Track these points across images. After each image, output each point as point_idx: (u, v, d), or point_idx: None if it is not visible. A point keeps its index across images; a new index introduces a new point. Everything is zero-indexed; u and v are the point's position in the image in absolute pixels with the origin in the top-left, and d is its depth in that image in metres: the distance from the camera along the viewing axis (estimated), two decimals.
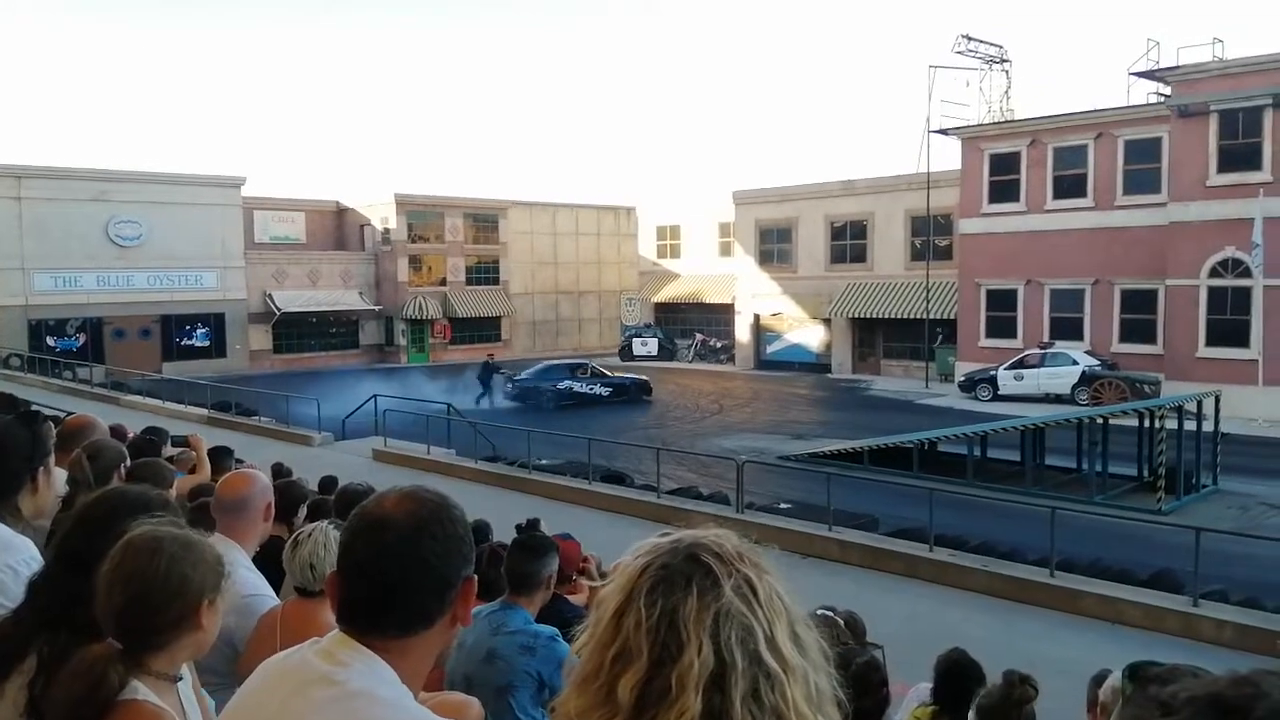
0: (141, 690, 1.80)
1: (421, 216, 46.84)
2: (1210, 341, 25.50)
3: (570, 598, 4.82)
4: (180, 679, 1.94)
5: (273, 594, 3.34)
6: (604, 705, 1.12)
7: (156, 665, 1.85)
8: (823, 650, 1.20)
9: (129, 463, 4.10)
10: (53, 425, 4.54)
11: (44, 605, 2.07)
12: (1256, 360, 23.76)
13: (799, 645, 1.15)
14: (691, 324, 45.06)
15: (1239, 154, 24.90)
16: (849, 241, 37.71)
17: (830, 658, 1.21)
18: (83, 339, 38.63)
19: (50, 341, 37.73)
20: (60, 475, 3.78)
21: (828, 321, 37.78)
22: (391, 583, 1.49)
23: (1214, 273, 25.42)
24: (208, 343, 41.54)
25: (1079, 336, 29.16)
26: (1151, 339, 27.67)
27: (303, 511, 5.19)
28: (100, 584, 1.86)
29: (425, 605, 1.51)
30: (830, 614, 3.85)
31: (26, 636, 2.04)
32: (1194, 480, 16.13)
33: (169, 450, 6.68)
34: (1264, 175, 24.34)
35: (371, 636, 1.49)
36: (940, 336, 33.45)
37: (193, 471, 6.28)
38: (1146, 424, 16.54)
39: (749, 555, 1.19)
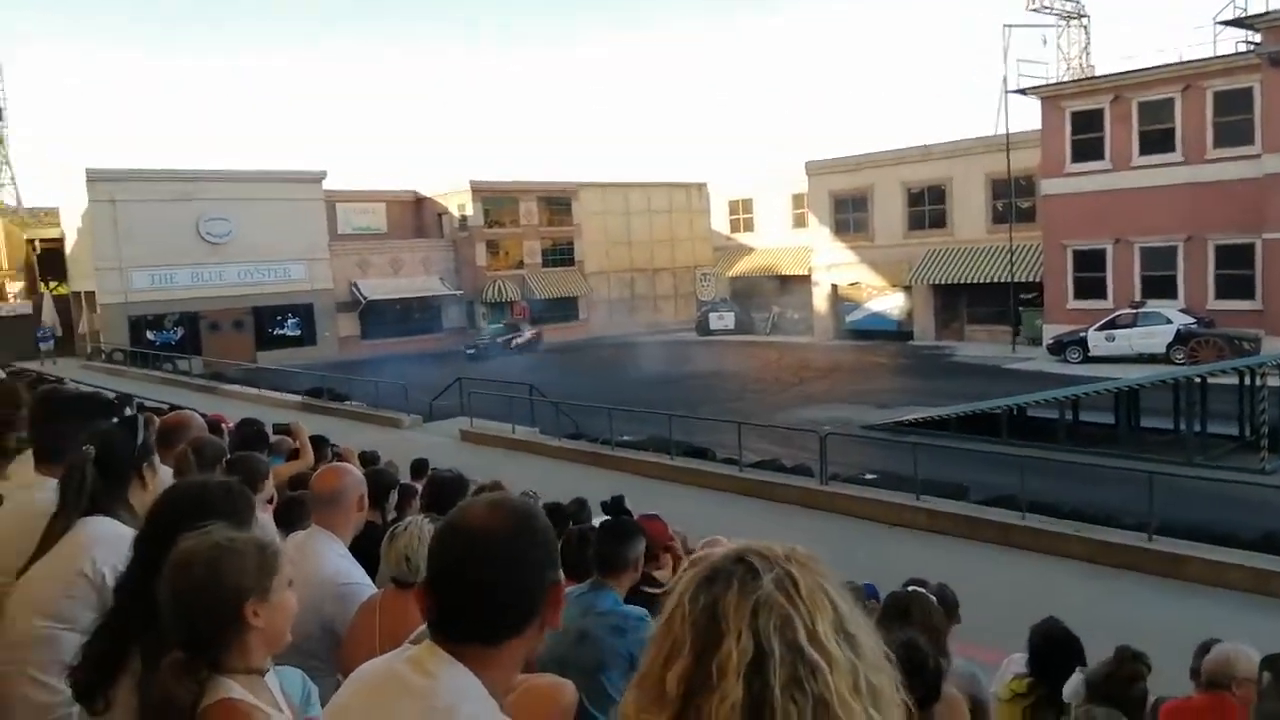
0: (235, 689, 1.88)
1: (496, 202, 47.31)
2: None
3: (656, 573, 4.86)
4: (267, 670, 2.00)
5: (370, 582, 3.44)
6: (657, 700, 1.15)
7: (235, 663, 1.92)
8: (885, 654, 1.20)
9: (230, 456, 4.27)
10: (155, 418, 4.75)
11: (129, 606, 2.14)
12: None
13: (849, 641, 1.15)
14: (767, 297, 44.71)
15: None
16: (927, 207, 36.95)
17: (895, 662, 1.21)
18: (180, 332, 40.05)
19: (150, 336, 39.20)
20: (166, 471, 3.95)
21: (908, 289, 37.13)
22: (481, 593, 1.52)
23: None
24: (298, 332, 42.67)
25: (1172, 295, 28.14)
26: (1249, 294, 26.58)
27: (393, 497, 5.33)
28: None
29: (514, 614, 1.54)
30: (921, 590, 3.82)
31: (123, 638, 2.11)
32: None
33: (271, 438, 6.90)
34: None
35: (461, 645, 1.51)
36: (1034, 297, 32.53)
37: (293, 457, 6.48)
38: (1247, 382, 15.97)
39: (796, 556, 1.19)
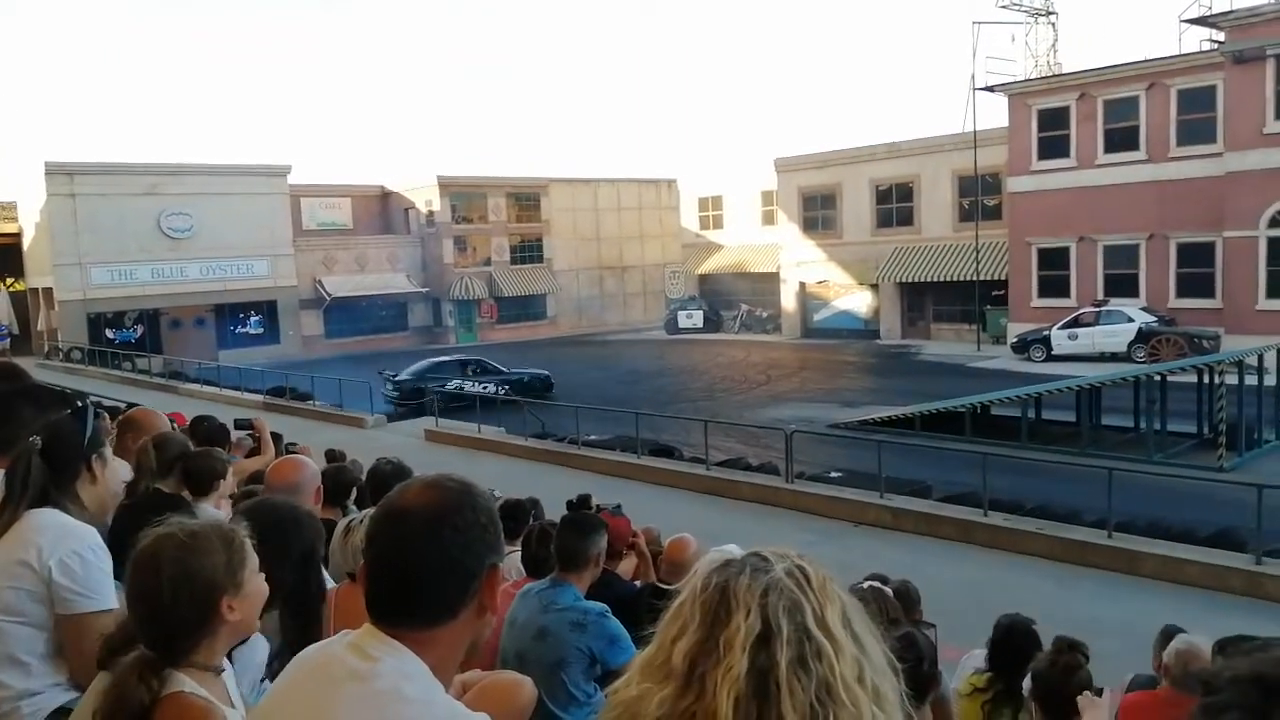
0: (187, 683, 1.84)
1: (464, 197, 47.03)
2: (1271, 293, 24.84)
3: (618, 570, 4.85)
4: (223, 670, 1.97)
5: (327, 576, 3.39)
6: (664, 679, 1.18)
7: (198, 660, 1.89)
8: (889, 660, 1.23)
9: (188, 452, 4.20)
10: (108, 416, 4.66)
11: None
12: None
13: (855, 637, 1.19)
14: (736, 295, 44.80)
15: None
16: (895, 205, 37.18)
17: (898, 670, 1.24)
18: (140, 330, 39.48)
19: (109, 334, 38.60)
20: (119, 466, 3.88)
21: (875, 287, 37.36)
22: (413, 574, 1.48)
23: (1273, 222, 24.69)
24: (261, 330, 42.20)
25: (1134, 293, 28.53)
26: (1210, 293, 26.99)
27: (354, 494, 5.26)
28: (127, 590, 1.92)
29: (448, 596, 1.50)
30: (879, 585, 3.82)
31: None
32: (1256, 436, 15.81)
33: (234, 434, 6.81)
34: None
35: (399, 628, 1.49)
36: (999, 295, 32.87)
37: (254, 454, 6.37)
38: (1206, 380, 16.20)
39: (809, 557, 1.25)
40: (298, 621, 2.29)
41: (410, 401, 23.54)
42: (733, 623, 1.14)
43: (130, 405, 7.25)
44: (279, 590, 2.15)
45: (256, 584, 2.00)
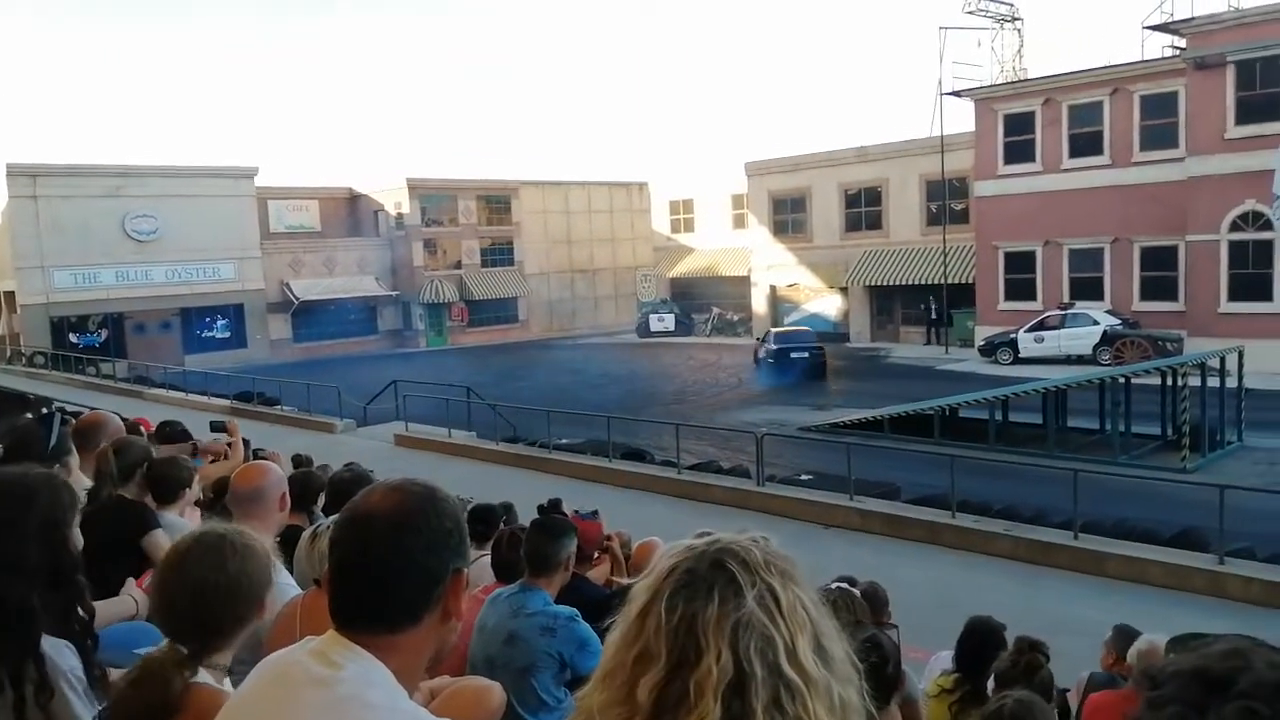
0: (202, 674, 1.89)
1: (434, 200, 46.78)
2: (1233, 296, 25.22)
3: (590, 574, 4.85)
4: (231, 670, 1.99)
5: (293, 583, 3.36)
6: (624, 704, 1.14)
7: (215, 660, 1.95)
8: (851, 662, 1.20)
9: (152, 458, 4.16)
10: (73, 422, 4.60)
11: None
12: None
13: (823, 658, 1.15)
14: (708, 298, 44.89)
15: (1258, 105, 24.51)
16: (864, 209, 37.43)
17: (860, 670, 1.21)
18: (104, 334, 38.94)
19: (73, 338, 38.05)
20: (81, 476, 3.82)
21: (844, 290, 37.58)
22: (375, 579, 1.46)
23: (1235, 226, 25.08)
24: (228, 334, 41.76)
25: (1099, 296, 28.87)
26: (1173, 296, 27.37)
27: (321, 500, 5.22)
28: (163, 589, 1.94)
29: (411, 601, 1.48)
30: (847, 586, 3.85)
31: None
32: (1218, 437, 16.05)
33: (211, 436, 6.73)
34: None
35: (362, 634, 1.46)
36: (933, 307, 33.62)
37: (226, 458, 6.29)
38: (1169, 382, 16.42)
39: (776, 563, 1.18)
40: (57, 598, 2.09)
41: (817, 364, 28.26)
42: (703, 664, 1.09)
43: (90, 410, 7.16)
44: (23, 570, 2.01)
45: (272, 595, 2.10)
